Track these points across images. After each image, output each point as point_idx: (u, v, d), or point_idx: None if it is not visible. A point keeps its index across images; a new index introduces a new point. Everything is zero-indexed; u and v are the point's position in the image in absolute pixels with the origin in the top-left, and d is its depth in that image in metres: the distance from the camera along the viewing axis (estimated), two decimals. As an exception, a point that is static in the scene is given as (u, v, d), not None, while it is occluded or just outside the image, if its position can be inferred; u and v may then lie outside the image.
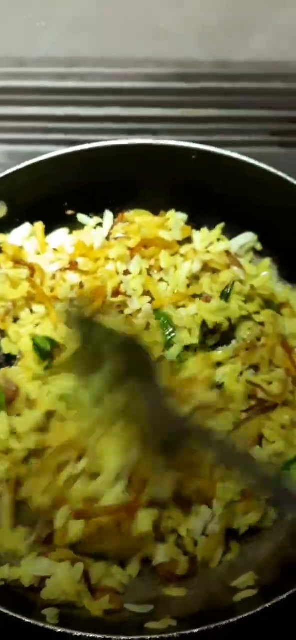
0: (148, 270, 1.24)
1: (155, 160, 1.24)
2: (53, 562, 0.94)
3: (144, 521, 0.94)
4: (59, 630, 0.85)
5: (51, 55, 1.40)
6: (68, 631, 0.85)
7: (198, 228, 1.28)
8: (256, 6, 1.33)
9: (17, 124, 1.45)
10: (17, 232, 1.23)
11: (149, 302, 1.18)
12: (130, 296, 1.18)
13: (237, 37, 1.36)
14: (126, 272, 1.21)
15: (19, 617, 0.85)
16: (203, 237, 1.27)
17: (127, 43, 1.38)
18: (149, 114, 1.43)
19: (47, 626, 0.86)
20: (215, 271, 1.24)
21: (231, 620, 0.85)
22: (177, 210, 1.28)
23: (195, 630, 0.85)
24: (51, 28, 1.38)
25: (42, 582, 0.94)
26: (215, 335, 1.17)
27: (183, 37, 1.36)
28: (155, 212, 1.27)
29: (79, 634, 0.84)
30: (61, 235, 1.26)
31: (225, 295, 1.17)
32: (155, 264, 1.26)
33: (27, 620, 0.85)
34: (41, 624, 0.85)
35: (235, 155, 1.21)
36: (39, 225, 1.23)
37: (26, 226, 1.24)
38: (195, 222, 1.28)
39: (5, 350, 1.15)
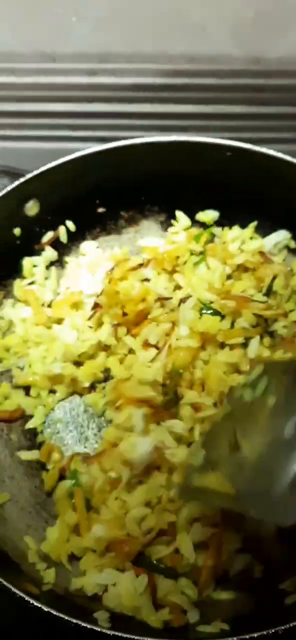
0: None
1: (187, 157, 1.19)
2: (117, 572, 0.91)
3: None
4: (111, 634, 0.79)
5: (82, 51, 1.34)
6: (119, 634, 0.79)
7: (230, 226, 1.23)
8: (292, 3, 1.28)
9: (48, 120, 1.40)
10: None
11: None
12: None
13: (271, 34, 1.31)
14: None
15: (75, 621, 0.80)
16: (236, 235, 1.22)
17: (159, 38, 1.33)
18: (180, 111, 1.37)
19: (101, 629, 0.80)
20: (247, 269, 1.22)
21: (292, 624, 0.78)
22: (208, 207, 1.24)
23: (255, 635, 0.77)
24: (83, 23, 1.31)
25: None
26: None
27: (217, 33, 1.32)
28: (187, 210, 1.25)
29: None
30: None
31: (270, 293, 1.13)
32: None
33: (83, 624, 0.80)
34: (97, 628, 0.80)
35: (271, 152, 1.15)
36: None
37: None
38: (227, 220, 1.23)
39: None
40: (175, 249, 1.20)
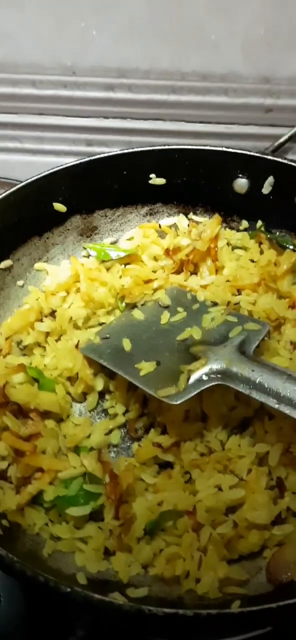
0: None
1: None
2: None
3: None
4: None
5: (101, 65, 1.29)
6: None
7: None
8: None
9: (64, 134, 1.38)
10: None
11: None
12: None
13: (282, 53, 1.28)
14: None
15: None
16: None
17: (175, 54, 1.30)
18: (192, 129, 1.35)
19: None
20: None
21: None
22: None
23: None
24: (102, 37, 1.26)
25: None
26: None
27: (229, 50, 1.29)
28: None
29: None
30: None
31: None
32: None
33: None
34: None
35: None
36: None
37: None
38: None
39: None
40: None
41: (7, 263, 1.21)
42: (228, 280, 1.21)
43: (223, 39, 1.21)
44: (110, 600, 0.72)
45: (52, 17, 1.24)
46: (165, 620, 0.69)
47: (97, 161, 1.24)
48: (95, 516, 0.95)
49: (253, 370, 0.97)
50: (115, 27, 1.24)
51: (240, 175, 1.24)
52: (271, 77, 1.24)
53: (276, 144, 1.22)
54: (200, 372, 1.02)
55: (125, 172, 1.26)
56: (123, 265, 1.27)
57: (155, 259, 1.28)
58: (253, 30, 1.20)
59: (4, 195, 1.16)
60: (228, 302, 1.17)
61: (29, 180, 1.18)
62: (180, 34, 1.21)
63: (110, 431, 1.09)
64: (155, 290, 1.24)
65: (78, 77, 1.30)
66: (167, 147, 1.24)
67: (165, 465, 1.03)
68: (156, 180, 1.26)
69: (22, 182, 1.16)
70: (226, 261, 1.24)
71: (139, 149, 1.25)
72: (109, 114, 1.33)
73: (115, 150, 1.26)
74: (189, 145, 1.26)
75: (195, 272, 1.27)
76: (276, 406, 0.92)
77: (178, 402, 0.99)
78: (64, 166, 1.22)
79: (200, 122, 1.32)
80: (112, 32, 1.25)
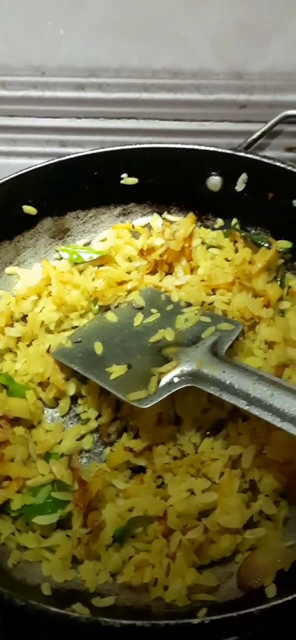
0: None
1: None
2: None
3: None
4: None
5: (70, 64, 1.27)
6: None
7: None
8: (272, 16, 1.22)
9: (37, 135, 1.36)
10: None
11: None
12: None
13: (253, 48, 1.26)
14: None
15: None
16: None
17: (145, 52, 1.28)
18: (165, 127, 1.33)
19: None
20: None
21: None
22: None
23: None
24: (70, 36, 1.24)
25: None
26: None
27: (200, 47, 1.27)
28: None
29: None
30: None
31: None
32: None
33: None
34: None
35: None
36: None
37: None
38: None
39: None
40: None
41: (-24, 267, 1.19)
42: (203, 280, 1.19)
43: (193, 35, 1.19)
44: (65, 613, 0.70)
45: (18, 17, 1.22)
46: (123, 632, 0.67)
47: (67, 162, 1.23)
48: (63, 524, 0.93)
49: (224, 372, 0.95)
50: (83, 26, 1.22)
51: (213, 173, 1.22)
52: (243, 72, 1.23)
53: (249, 140, 1.21)
54: (170, 374, 1.00)
55: (96, 173, 1.24)
56: (96, 267, 1.25)
57: (129, 259, 1.27)
58: (224, 25, 1.18)
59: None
60: (203, 302, 1.16)
61: (-6, 184, 1.16)
62: (149, 32, 1.20)
63: (83, 436, 1.07)
64: (129, 291, 1.22)
65: (48, 78, 1.28)
66: (138, 146, 1.23)
67: (138, 470, 1.01)
68: (128, 180, 1.24)
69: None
70: (201, 260, 1.23)
71: (109, 149, 1.23)
72: (81, 114, 1.31)
73: (85, 150, 1.23)
74: (161, 143, 1.23)
75: (170, 272, 1.25)
76: (247, 407, 0.90)
77: (148, 406, 0.97)
78: (33, 168, 1.21)
79: (174, 120, 1.31)
80: (81, 31, 1.23)
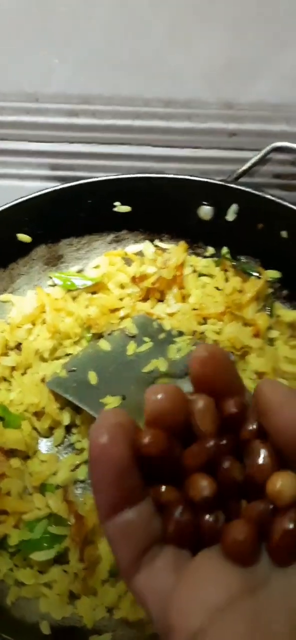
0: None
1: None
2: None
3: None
4: None
5: (63, 91, 1.27)
6: None
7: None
8: (260, 50, 1.25)
9: (28, 159, 1.36)
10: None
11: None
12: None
13: (244, 80, 1.28)
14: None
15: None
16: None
17: (136, 82, 1.29)
18: (157, 153, 1.33)
19: None
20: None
21: None
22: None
23: None
24: (64, 65, 1.24)
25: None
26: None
27: (191, 78, 1.29)
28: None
29: None
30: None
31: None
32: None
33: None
34: None
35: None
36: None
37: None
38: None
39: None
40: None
41: (-30, 296, 1.20)
42: (194, 309, 1.21)
43: (184, 68, 1.21)
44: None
45: (12, 47, 1.22)
46: None
47: (62, 191, 1.24)
48: (60, 558, 0.95)
49: None
50: (77, 55, 1.23)
51: (205, 203, 1.24)
52: (234, 103, 1.24)
53: (240, 170, 1.22)
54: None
55: (89, 201, 1.25)
56: (89, 294, 1.26)
57: (122, 286, 1.28)
58: (215, 58, 1.20)
59: None
60: (194, 332, 1.18)
61: (-10, 213, 1.17)
62: (141, 62, 1.21)
63: (77, 466, 1.09)
64: (122, 318, 1.24)
65: (41, 104, 1.28)
66: (131, 175, 1.24)
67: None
68: (121, 208, 1.26)
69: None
70: (193, 289, 1.25)
71: (103, 178, 1.24)
72: (73, 139, 1.32)
73: (80, 180, 1.25)
74: (154, 173, 1.25)
75: (161, 300, 1.26)
76: None
77: None
78: (28, 197, 1.22)
79: (165, 147, 1.31)
80: (74, 60, 1.24)
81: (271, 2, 1.16)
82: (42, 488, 1.05)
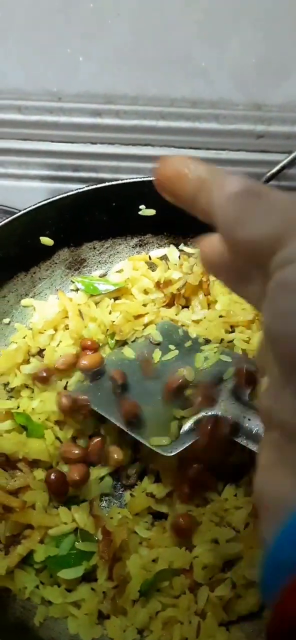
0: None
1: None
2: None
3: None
4: None
5: (87, 90, 1.23)
6: None
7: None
8: (290, 51, 1.21)
9: (50, 159, 1.33)
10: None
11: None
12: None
13: (272, 81, 1.24)
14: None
15: None
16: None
17: (163, 81, 1.25)
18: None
19: None
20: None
21: None
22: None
23: None
24: (89, 64, 1.20)
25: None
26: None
27: (219, 78, 1.25)
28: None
29: None
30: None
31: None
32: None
33: None
34: None
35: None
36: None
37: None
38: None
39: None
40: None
41: (-8, 301, 1.16)
42: (221, 316, 1.17)
43: (213, 67, 1.17)
44: None
45: (37, 44, 1.19)
46: None
47: (85, 193, 1.20)
48: (88, 576, 0.91)
49: (249, 419, 0.94)
50: (101, 53, 1.19)
51: (232, 207, 1.19)
52: (262, 104, 1.21)
53: (268, 174, 1.18)
54: (193, 419, 0.98)
55: (114, 204, 1.21)
56: (112, 300, 1.23)
57: (145, 292, 1.24)
58: (244, 58, 1.16)
59: (-13, 233, 1.11)
60: (222, 340, 1.14)
61: (14, 216, 1.13)
62: (168, 62, 1.17)
63: (102, 478, 1.05)
64: (146, 325, 1.20)
65: (64, 103, 1.24)
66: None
67: (159, 516, 0.99)
68: (146, 211, 1.22)
69: (5, 207, 1.10)
70: (219, 295, 1.21)
71: (128, 180, 1.21)
72: (96, 139, 1.28)
73: (103, 182, 1.21)
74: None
75: (186, 306, 1.22)
76: None
77: (172, 454, 0.95)
78: (51, 200, 1.18)
79: (190, 148, 1.27)
80: (99, 59, 1.19)
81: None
82: (68, 501, 1.01)
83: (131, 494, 1.03)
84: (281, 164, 1.22)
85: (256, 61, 1.20)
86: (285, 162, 1.22)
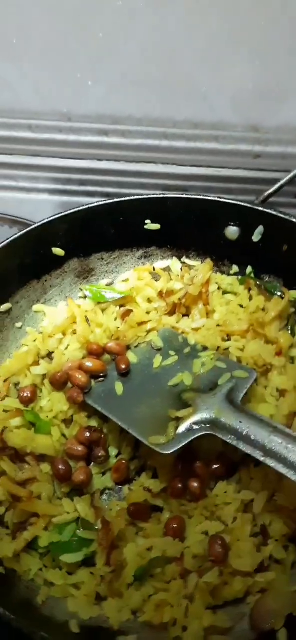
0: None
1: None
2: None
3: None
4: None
5: (96, 112, 1.33)
6: None
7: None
8: (287, 76, 1.28)
9: (58, 175, 1.42)
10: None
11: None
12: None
13: (270, 104, 1.32)
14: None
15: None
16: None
17: (167, 104, 1.32)
18: (183, 172, 1.39)
19: None
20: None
21: None
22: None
23: None
24: (97, 86, 1.29)
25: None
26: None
27: (219, 102, 1.33)
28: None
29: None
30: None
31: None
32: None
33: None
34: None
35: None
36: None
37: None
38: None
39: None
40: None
41: (6, 306, 1.25)
42: (218, 325, 1.25)
43: (213, 91, 1.25)
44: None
45: (49, 68, 1.28)
46: None
47: (96, 208, 1.29)
48: (87, 561, 0.99)
49: (241, 422, 1.01)
50: (110, 77, 1.28)
51: (232, 224, 1.28)
52: (259, 126, 1.29)
53: (266, 193, 1.26)
54: (189, 420, 1.06)
55: (121, 218, 1.30)
56: (118, 307, 1.31)
57: (149, 300, 1.32)
58: (242, 83, 1.24)
59: (5, 242, 1.20)
60: (218, 347, 1.21)
61: (30, 228, 1.23)
62: (172, 86, 1.26)
63: (103, 474, 1.13)
64: (149, 331, 1.27)
65: (73, 123, 1.34)
66: (162, 195, 1.29)
67: (156, 508, 1.06)
68: (151, 225, 1.30)
69: (16, 218, 1.18)
70: (217, 306, 1.28)
71: (136, 197, 1.29)
72: (103, 156, 1.37)
73: (110, 197, 1.29)
74: (183, 194, 1.29)
75: (186, 314, 1.30)
76: (262, 459, 0.96)
77: (169, 452, 1.03)
78: (64, 214, 1.27)
79: (192, 166, 1.36)
80: (107, 82, 1.28)
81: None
82: (71, 493, 1.09)
83: (129, 488, 1.10)
84: (280, 183, 1.29)
85: (254, 86, 1.27)
86: (284, 181, 1.29)
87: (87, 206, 1.26)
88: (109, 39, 1.25)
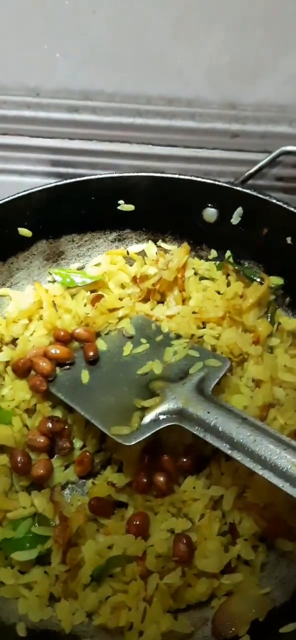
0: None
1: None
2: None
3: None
4: None
5: (65, 87, 1.25)
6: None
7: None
8: (264, 51, 1.22)
9: (26, 154, 1.35)
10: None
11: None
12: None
13: (247, 80, 1.25)
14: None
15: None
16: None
17: (140, 79, 1.23)
18: (159, 152, 1.31)
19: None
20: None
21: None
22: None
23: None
24: (66, 60, 1.22)
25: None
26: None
27: (195, 77, 1.26)
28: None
29: None
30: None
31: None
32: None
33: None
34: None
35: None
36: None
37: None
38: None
39: None
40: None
41: None
42: (194, 312, 1.19)
43: (188, 66, 1.19)
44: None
45: (15, 39, 1.21)
46: None
47: (65, 186, 1.22)
48: (42, 559, 0.93)
49: (208, 412, 0.95)
50: (79, 50, 1.21)
51: (210, 205, 1.22)
52: (237, 103, 1.22)
53: (247, 174, 1.19)
54: (155, 411, 1.00)
55: (93, 198, 1.23)
56: (88, 292, 1.24)
57: (122, 286, 1.26)
58: (218, 58, 1.17)
59: None
60: (192, 335, 1.15)
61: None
62: (144, 59, 1.19)
63: (67, 467, 1.07)
64: (121, 318, 1.21)
65: (42, 99, 1.27)
66: (135, 174, 1.22)
67: (120, 504, 1.00)
68: (124, 206, 1.24)
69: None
70: (193, 292, 1.22)
71: (107, 175, 1.23)
72: (74, 135, 1.30)
73: (83, 176, 1.23)
74: (158, 173, 1.23)
75: (161, 301, 1.24)
76: (229, 452, 0.90)
77: (131, 443, 0.96)
78: (30, 191, 1.20)
79: (167, 146, 1.29)
80: (76, 56, 1.22)
81: (276, 3, 1.13)
82: (30, 487, 1.02)
83: (93, 482, 1.04)
84: (259, 164, 1.23)
85: (230, 60, 1.21)
86: (264, 162, 1.23)
87: (53, 184, 1.20)
88: (76, 8, 1.18)
